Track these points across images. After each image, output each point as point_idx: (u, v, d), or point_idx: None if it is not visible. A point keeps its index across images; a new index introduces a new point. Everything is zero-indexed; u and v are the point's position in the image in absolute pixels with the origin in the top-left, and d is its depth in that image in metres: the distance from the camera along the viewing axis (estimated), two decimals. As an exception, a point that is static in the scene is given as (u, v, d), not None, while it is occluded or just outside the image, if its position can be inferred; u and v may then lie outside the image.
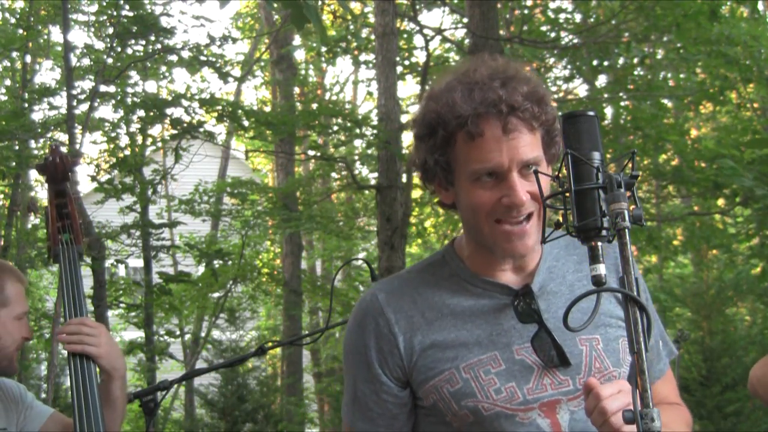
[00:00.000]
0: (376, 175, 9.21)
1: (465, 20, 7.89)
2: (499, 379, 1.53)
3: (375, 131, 8.64)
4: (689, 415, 1.71)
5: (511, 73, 1.53)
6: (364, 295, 1.67)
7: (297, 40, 11.35)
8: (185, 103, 8.45)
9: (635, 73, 9.77)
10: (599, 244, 1.30)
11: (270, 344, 2.85)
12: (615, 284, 1.59)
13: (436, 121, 1.54)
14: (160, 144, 10.01)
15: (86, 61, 8.39)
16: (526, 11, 9.89)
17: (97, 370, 2.12)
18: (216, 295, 11.75)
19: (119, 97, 8.00)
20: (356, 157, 11.01)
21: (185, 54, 8.44)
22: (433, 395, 1.56)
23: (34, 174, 10.01)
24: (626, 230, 1.27)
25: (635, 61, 9.51)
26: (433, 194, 1.66)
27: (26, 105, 8.09)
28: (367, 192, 11.41)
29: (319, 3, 10.35)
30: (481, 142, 1.50)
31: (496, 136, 1.49)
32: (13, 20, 8.49)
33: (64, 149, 4.05)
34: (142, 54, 8.24)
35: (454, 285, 1.62)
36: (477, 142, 1.50)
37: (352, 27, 11.19)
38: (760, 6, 10.74)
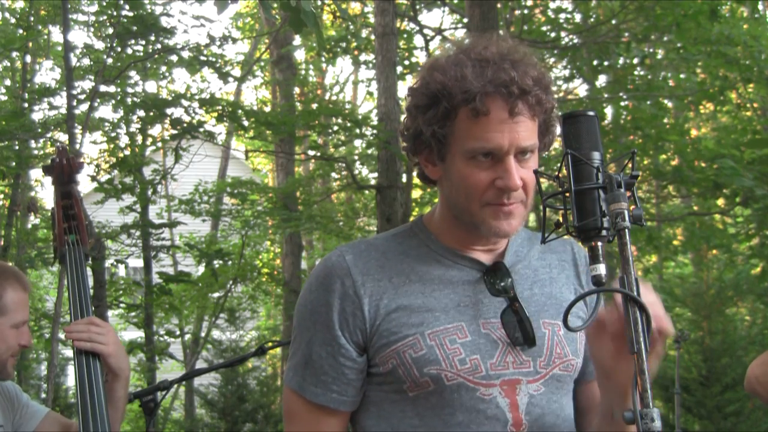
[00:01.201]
0: (376, 175, 9.21)
1: (465, 20, 7.89)
2: (464, 349, 1.50)
3: (375, 131, 8.64)
4: None
5: (519, 57, 1.52)
6: (329, 255, 1.61)
7: (297, 40, 11.35)
8: (185, 103, 8.45)
9: (635, 73, 9.76)
10: (599, 244, 1.30)
11: (270, 344, 2.85)
12: (575, 282, 1.64)
13: (441, 93, 1.51)
14: (160, 144, 10.02)
15: (86, 61, 8.40)
16: (526, 11, 9.89)
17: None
18: (216, 295, 11.76)
19: (119, 97, 8.01)
20: (356, 157, 11.01)
21: (185, 54, 8.44)
22: (394, 360, 1.51)
23: (34, 174, 10.04)
24: (626, 230, 1.27)
25: (635, 61, 9.51)
26: (416, 166, 1.64)
27: (26, 105, 8.10)
28: (367, 192, 11.40)
29: (319, 3, 10.35)
30: (485, 121, 1.48)
31: (501, 118, 1.48)
32: (13, 20, 8.49)
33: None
34: (142, 54, 8.24)
35: (423, 255, 1.59)
36: (481, 120, 1.48)
37: (352, 27, 11.19)
38: (760, 6, 10.74)
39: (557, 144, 1.63)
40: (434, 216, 1.64)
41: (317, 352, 1.56)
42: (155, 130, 9.78)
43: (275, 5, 3.82)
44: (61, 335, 6.54)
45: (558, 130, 1.55)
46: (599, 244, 1.30)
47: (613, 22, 9.13)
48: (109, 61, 7.65)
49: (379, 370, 1.54)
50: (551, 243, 1.54)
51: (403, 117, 1.63)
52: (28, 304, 2.28)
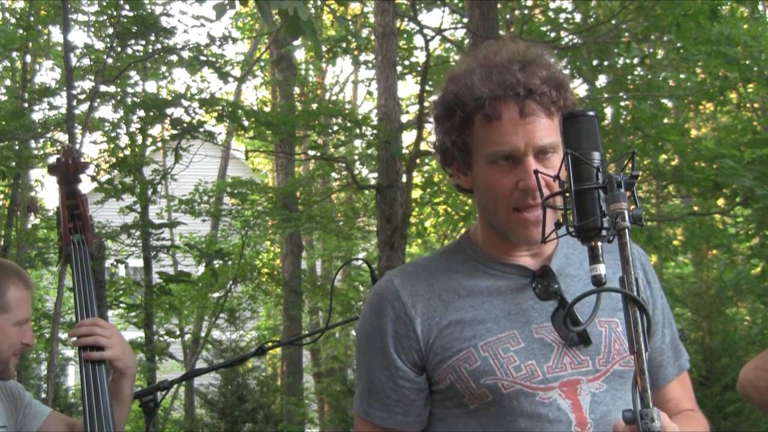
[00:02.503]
0: (376, 175, 9.21)
1: (465, 20, 7.88)
2: (518, 356, 1.51)
3: (375, 131, 8.64)
4: (706, 422, 1.69)
5: (530, 58, 1.54)
6: (379, 281, 1.65)
7: (297, 40, 11.33)
8: (185, 103, 8.45)
9: (635, 73, 9.76)
10: (599, 244, 1.30)
11: (270, 344, 2.85)
12: (639, 275, 1.62)
13: (454, 102, 1.55)
14: (160, 144, 10.01)
15: (86, 61, 8.40)
16: (526, 11, 9.88)
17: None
18: (216, 295, 11.75)
19: (119, 97, 8.00)
20: (356, 157, 11.01)
21: (185, 54, 8.44)
22: (451, 375, 1.53)
23: (34, 174, 10.04)
24: (626, 230, 1.27)
25: (635, 61, 9.51)
26: (452, 177, 1.67)
27: (26, 105, 8.09)
28: (367, 192, 11.40)
29: (319, 3, 10.34)
30: (498, 125, 1.51)
31: (513, 120, 1.50)
32: (13, 20, 8.49)
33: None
34: (142, 54, 8.24)
35: (470, 269, 1.61)
36: (494, 124, 1.51)
37: (352, 27, 11.18)
38: (760, 6, 10.74)
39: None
40: (477, 227, 1.67)
41: (377, 377, 1.60)
42: (155, 130, 9.79)
43: (276, 16, 3.80)
44: (62, 335, 6.55)
45: None
46: (599, 244, 1.30)
47: (613, 22, 9.13)
48: (109, 61, 7.64)
49: (438, 387, 1.57)
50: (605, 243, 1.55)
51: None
52: (30, 301, 2.27)
